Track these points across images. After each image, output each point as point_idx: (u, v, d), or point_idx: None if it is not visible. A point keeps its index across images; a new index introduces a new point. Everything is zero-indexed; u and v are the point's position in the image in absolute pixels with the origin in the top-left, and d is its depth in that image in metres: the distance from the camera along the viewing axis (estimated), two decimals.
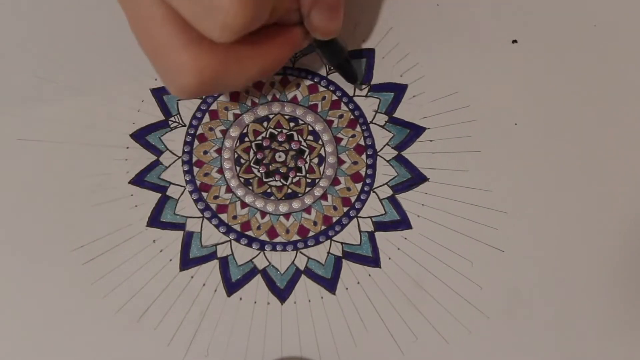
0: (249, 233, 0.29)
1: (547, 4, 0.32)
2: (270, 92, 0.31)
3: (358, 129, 0.31)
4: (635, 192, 0.30)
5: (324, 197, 0.30)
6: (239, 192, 0.30)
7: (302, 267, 0.29)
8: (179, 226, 0.29)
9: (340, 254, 0.29)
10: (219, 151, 0.30)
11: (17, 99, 0.31)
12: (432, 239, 0.29)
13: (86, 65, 0.31)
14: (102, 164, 0.30)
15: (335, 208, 0.30)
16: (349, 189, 0.30)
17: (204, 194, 0.30)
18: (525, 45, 0.32)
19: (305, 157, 0.30)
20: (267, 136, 0.31)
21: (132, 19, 0.24)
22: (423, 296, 0.29)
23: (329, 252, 0.29)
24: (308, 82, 0.31)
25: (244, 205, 0.30)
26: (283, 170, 0.30)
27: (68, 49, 0.31)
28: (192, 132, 0.31)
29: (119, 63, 0.31)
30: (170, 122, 0.31)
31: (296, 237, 0.29)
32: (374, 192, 0.30)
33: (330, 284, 0.29)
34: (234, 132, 0.31)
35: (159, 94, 0.31)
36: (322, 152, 0.30)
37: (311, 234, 0.29)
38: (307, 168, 0.30)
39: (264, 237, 0.29)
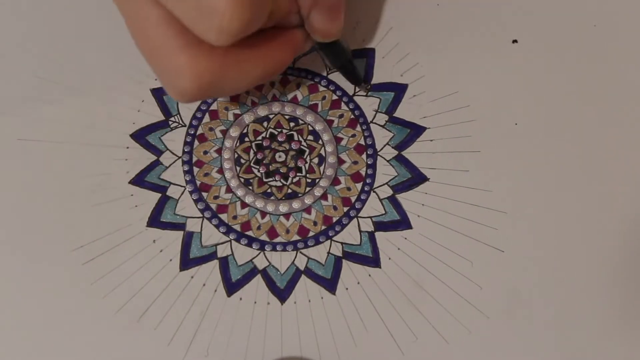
0: (249, 233, 0.29)
1: (547, 4, 0.32)
2: (270, 92, 0.31)
3: (358, 128, 0.31)
4: (635, 192, 0.30)
5: (324, 197, 0.30)
6: (239, 192, 0.30)
7: (302, 267, 0.29)
8: (179, 226, 0.29)
9: (340, 254, 0.29)
10: (219, 151, 0.30)
11: (17, 99, 0.31)
12: (432, 239, 0.29)
13: (86, 65, 0.31)
14: (102, 164, 0.30)
15: (335, 208, 0.30)
16: (349, 189, 0.30)
17: (204, 194, 0.30)
18: (525, 45, 0.32)
19: (305, 157, 0.30)
20: (267, 136, 0.31)
21: (128, 20, 0.24)
22: (423, 296, 0.29)
23: (329, 252, 0.29)
24: (308, 82, 0.31)
25: (244, 205, 0.30)
26: (283, 170, 0.30)
27: (68, 49, 0.31)
28: (192, 132, 0.31)
29: (119, 63, 0.31)
30: (170, 122, 0.31)
31: (296, 237, 0.29)
32: (374, 192, 0.30)
33: (330, 284, 0.29)
34: (234, 132, 0.31)
35: (159, 94, 0.31)
36: (322, 152, 0.30)
37: (311, 234, 0.29)
38: (307, 168, 0.30)
39: (264, 237, 0.29)
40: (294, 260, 0.29)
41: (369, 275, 0.29)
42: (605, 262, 0.29)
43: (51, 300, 0.28)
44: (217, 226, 0.29)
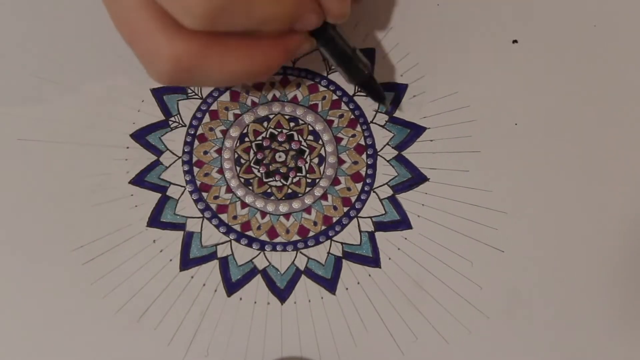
0: (249, 233, 0.29)
1: (547, 4, 0.32)
2: (271, 92, 0.31)
3: (358, 128, 0.31)
4: (635, 192, 0.30)
5: (324, 197, 0.30)
6: (239, 192, 0.30)
7: (302, 267, 0.29)
8: (179, 226, 0.29)
9: (340, 254, 0.29)
10: (219, 151, 0.30)
11: (17, 99, 0.31)
12: (432, 239, 0.29)
13: (86, 66, 0.31)
14: (102, 164, 0.30)
15: (335, 208, 0.30)
16: (349, 189, 0.30)
17: (204, 194, 0.30)
18: (525, 45, 0.32)
19: (305, 157, 0.30)
20: (267, 136, 0.31)
21: (108, 3, 0.24)
22: (423, 296, 0.29)
23: (329, 252, 0.29)
24: (308, 82, 0.31)
25: (244, 205, 0.30)
26: (283, 170, 0.30)
27: (68, 49, 0.31)
28: (192, 132, 0.31)
29: (119, 63, 0.31)
30: (170, 122, 0.31)
31: (296, 237, 0.29)
32: (374, 192, 0.30)
33: (330, 284, 0.29)
34: (234, 132, 0.31)
35: (159, 94, 0.31)
36: (322, 152, 0.30)
37: (311, 234, 0.29)
38: (307, 168, 0.30)
39: (264, 237, 0.29)
40: (294, 260, 0.29)
41: (369, 275, 0.29)
42: (605, 262, 0.29)
43: (51, 300, 0.28)
44: (217, 226, 0.29)
